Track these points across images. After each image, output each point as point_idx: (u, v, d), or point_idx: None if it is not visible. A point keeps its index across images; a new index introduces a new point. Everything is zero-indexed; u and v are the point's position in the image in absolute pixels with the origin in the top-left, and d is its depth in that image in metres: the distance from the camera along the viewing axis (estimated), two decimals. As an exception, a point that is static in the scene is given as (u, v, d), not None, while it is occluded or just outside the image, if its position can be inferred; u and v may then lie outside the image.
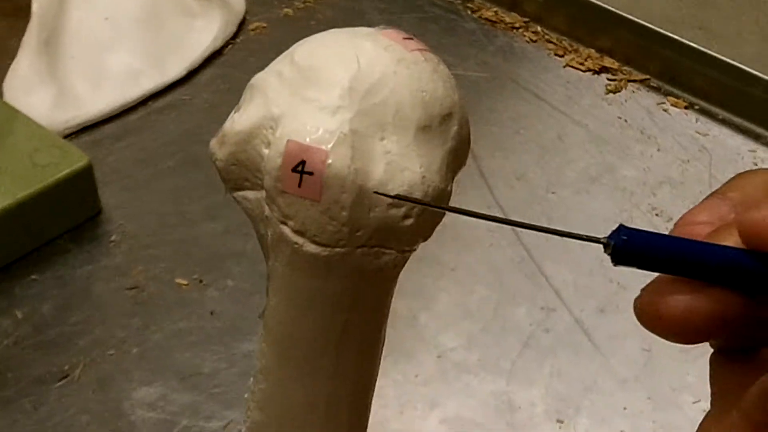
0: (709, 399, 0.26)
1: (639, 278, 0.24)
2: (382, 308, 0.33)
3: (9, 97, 0.65)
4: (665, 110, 0.66)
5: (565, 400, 0.49)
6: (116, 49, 0.68)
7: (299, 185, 0.29)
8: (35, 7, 0.69)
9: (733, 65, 0.65)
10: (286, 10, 0.75)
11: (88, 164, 0.57)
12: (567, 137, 0.64)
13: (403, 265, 0.32)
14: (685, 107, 0.67)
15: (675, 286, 0.24)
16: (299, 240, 0.30)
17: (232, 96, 0.67)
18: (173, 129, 0.65)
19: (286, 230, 0.30)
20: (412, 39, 0.32)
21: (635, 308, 0.25)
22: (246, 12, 0.74)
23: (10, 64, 0.67)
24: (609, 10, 0.70)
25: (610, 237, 0.24)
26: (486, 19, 0.74)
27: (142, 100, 0.66)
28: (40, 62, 0.67)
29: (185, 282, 0.55)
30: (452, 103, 0.31)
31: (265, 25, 0.73)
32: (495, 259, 0.56)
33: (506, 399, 0.49)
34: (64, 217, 0.57)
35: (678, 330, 0.24)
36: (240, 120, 0.31)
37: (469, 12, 0.75)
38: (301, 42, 0.32)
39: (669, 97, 0.67)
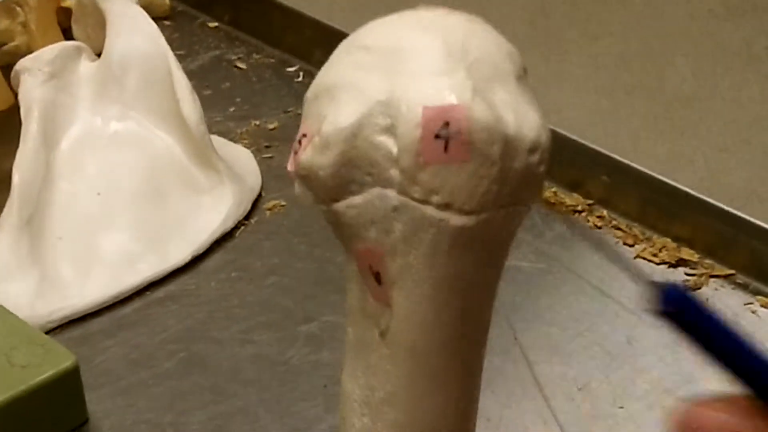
0: None
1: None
2: (494, 293, 0.39)
3: (-17, 285, 0.70)
4: (753, 312, 0.71)
5: None
6: (110, 230, 0.74)
7: (445, 150, 0.35)
8: (17, 179, 0.74)
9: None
10: (308, 186, 0.80)
11: (74, 365, 0.61)
12: (637, 341, 0.68)
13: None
14: (777, 308, 0.71)
15: (715, 404, 0.31)
16: (445, 215, 0.36)
17: (244, 286, 0.73)
18: (174, 324, 0.70)
19: (430, 209, 0.36)
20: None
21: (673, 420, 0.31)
22: (262, 188, 0.80)
23: (-15, 246, 0.73)
24: (687, 193, 0.75)
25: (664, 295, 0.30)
26: (543, 200, 0.80)
27: (139, 289, 0.71)
28: (20, 244, 0.72)
29: (185, 506, 0.59)
30: (520, 58, 0.38)
31: (283, 203, 0.79)
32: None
33: None
34: (44, 427, 0.61)
35: None
36: (341, 117, 0.37)
37: (522, 192, 0.80)
38: (355, 34, 0.39)
39: (758, 297, 0.72)
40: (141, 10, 0.82)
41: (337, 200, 0.38)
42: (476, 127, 0.35)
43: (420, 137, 0.35)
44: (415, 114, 0.36)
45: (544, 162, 0.37)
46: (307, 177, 0.38)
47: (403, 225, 0.37)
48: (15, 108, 0.78)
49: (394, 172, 0.36)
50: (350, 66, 0.38)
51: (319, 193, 0.38)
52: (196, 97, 0.78)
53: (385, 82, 0.37)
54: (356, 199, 0.38)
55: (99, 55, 0.81)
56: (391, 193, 0.37)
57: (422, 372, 0.39)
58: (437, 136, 0.35)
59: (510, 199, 0.37)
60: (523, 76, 0.38)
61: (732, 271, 0.74)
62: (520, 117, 0.36)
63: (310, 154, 0.38)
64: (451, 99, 0.35)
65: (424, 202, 0.36)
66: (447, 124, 0.35)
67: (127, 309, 0.71)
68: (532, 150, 0.36)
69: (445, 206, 0.36)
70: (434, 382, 0.39)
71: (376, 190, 0.37)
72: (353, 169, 0.37)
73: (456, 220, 0.36)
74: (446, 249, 0.37)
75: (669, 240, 0.76)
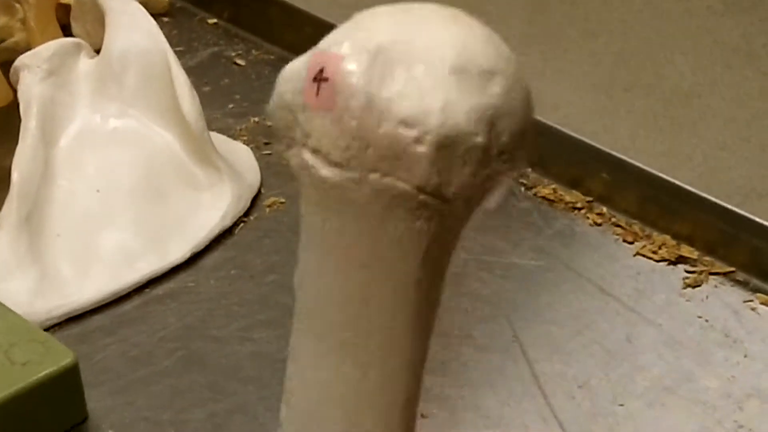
0: None
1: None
2: (416, 279, 0.38)
3: (-18, 282, 0.70)
4: (753, 309, 0.71)
5: None
6: (109, 227, 0.74)
7: (317, 94, 0.36)
8: (16, 176, 0.74)
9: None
10: (307, 183, 0.80)
11: (74, 362, 0.61)
12: (637, 339, 0.69)
13: (440, 230, 0.38)
14: (778, 306, 0.71)
15: None
16: (315, 162, 0.36)
17: (243, 283, 0.73)
18: (173, 322, 0.70)
19: (305, 153, 0.37)
20: None
21: None
22: (261, 185, 0.80)
23: (-16, 243, 0.73)
24: (687, 190, 0.75)
25: None
26: (543, 197, 0.80)
27: (138, 286, 0.72)
28: (19, 242, 0.71)
29: (185, 504, 0.59)
30: (497, 65, 0.38)
31: (283, 200, 0.79)
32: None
33: None
34: (44, 425, 0.61)
35: None
36: (295, 60, 0.39)
37: (522, 189, 0.80)
38: None
39: (758, 294, 0.72)
40: (140, 6, 0.82)
41: (288, 147, 0.39)
42: (341, 77, 0.36)
43: (304, 77, 0.37)
44: (310, 56, 0.38)
45: (426, 144, 0.36)
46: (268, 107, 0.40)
47: (297, 169, 0.38)
48: (14, 105, 0.78)
49: None
50: (341, 26, 0.39)
51: (276, 135, 0.40)
52: (195, 93, 0.78)
53: (335, 35, 0.38)
54: (294, 149, 0.39)
55: (98, 51, 0.81)
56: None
57: (310, 328, 0.39)
58: (314, 79, 0.37)
59: (378, 167, 0.37)
60: (471, 73, 0.37)
61: (732, 269, 0.74)
62: (411, 91, 0.36)
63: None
64: (335, 48, 0.37)
65: (303, 145, 0.37)
66: (323, 69, 0.37)
67: (127, 306, 0.71)
68: (407, 124, 0.36)
69: (315, 151, 0.37)
70: (323, 345, 0.39)
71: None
72: (289, 113, 0.38)
73: (325, 170, 0.37)
74: (316, 201, 0.38)
75: (669, 237, 0.76)
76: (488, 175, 0.38)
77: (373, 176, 0.37)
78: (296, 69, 0.38)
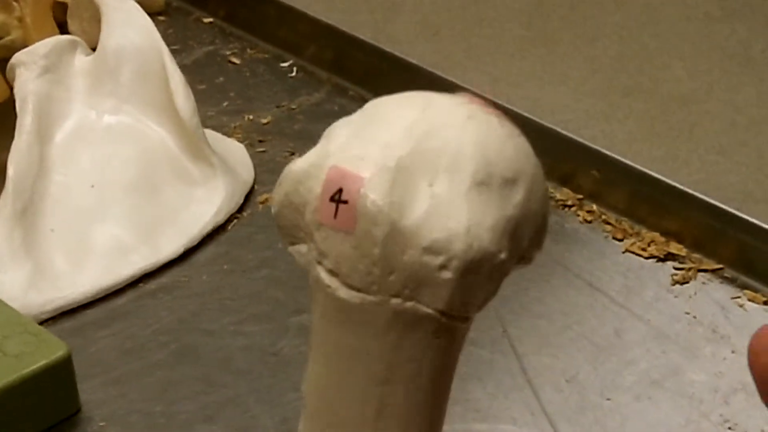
0: None
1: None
2: (430, 390, 0.37)
3: (-23, 275, 0.70)
4: (741, 305, 0.71)
5: None
6: (103, 222, 0.74)
7: (335, 216, 0.34)
8: (11, 171, 0.74)
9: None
10: (300, 180, 0.81)
11: (67, 355, 0.61)
12: (626, 334, 0.69)
13: (453, 344, 0.36)
14: (765, 302, 0.71)
15: None
16: (333, 282, 0.35)
17: (236, 278, 0.74)
18: (166, 315, 0.70)
19: (321, 271, 0.35)
20: (493, 108, 0.37)
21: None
22: (254, 182, 0.81)
23: (-21, 238, 0.73)
24: (676, 188, 0.75)
25: None
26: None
27: (131, 281, 0.72)
28: (14, 236, 0.72)
29: (176, 496, 0.59)
30: (519, 170, 0.37)
31: (276, 197, 0.79)
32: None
33: None
34: (36, 417, 0.61)
35: None
36: (298, 160, 0.37)
37: (513, 186, 0.80)
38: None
39: (746, 290, 0.72)
40: (136, 4, 0.83)
41: (292, 243, 0.38)
42: (363, 202, 0.34)
43: (319, 194, 0.35)
44: (324, 170, 0.35)
45: (455, 271, 0.35)
46: (271, 203, 0.38)
47: (311, 281, 0.36)
48: (11, 101, 0.78)
49: None
50: (343, 121, 0.37)
51: (279, 231, 0.38)
52: (190, 90, 0.78)
53: (344, 138, 0.36)
54: (302, 248, 0.37)
55: (94, 49, 0.81)
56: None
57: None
58: (332, 199, 0.35)
59: (401, 292, 0.35)
60: (491, 184, 0.36)
61: (720, 266, 0.74)
62: (434, 213, 0.34)
63: (274, 189, 0.38)
64: (354, 167, 0.35)
65: (319, 263, 0.35)
66: (341, 189, 0.35)
67: (120, 300, 0.71)
68: (432, 251, 0.34)
69: (332, 273, 0.35)
70: None
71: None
72: (298, 214, 0.37)
73: (343, 292, 0.35)
74: (337, 319, 0.36)
75: (658, 234, 0.76)
76: (504, 277, 0.37)
77: (395, 300, 0.35)
78: (304, 172, 0.36)
